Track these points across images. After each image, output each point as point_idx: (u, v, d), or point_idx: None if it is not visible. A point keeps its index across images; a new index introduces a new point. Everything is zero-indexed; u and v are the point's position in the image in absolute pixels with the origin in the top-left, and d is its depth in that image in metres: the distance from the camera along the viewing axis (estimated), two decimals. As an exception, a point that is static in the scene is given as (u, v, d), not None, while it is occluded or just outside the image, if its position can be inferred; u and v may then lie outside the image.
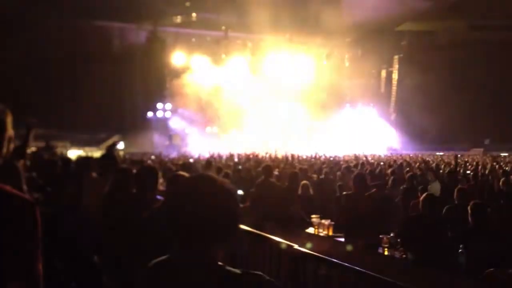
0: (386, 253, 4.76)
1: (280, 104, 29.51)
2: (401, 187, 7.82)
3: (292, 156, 15.89)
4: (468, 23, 26.66)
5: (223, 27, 27.73)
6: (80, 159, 7.13)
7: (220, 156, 17.81)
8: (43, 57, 21.27)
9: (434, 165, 12.72)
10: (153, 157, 20.15)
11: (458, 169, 11.50)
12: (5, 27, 20.78)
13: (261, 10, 23.09)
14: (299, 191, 7.20)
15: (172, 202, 1.63)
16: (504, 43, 25.52)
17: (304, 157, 17.40)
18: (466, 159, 18.37)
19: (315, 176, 9.63)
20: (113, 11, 24.48)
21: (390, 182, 7.83)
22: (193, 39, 28.12)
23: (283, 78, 30.06)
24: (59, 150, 14.30)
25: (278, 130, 29.47)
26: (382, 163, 14.05)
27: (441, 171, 11.09)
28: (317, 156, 17.93)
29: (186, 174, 3.14)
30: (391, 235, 4.90)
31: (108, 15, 24.55)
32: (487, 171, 10.98)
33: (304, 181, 7.44)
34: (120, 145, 22.69)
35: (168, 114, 26.52)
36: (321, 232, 5.69)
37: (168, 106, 26.57)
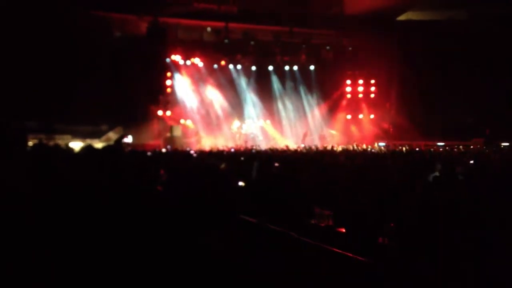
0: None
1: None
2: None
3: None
4: (469, 12, 26.47)
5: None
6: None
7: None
8: (43, 49, 21.18)
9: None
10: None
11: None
12: (4, 18, 20.69)
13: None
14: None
15: None
16: (504, 32, 25.36)
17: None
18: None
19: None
20: (113, 2, 24.38)
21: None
22: (194, 30, 27.92)
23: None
24: (62, 142, 14.35)
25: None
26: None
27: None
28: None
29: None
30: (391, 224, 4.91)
31: (108, 6, 24.42)
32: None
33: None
34: (129, 139, 22.53)
35: (169, 106, 26.45)
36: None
37: (169, 98, 26.49)
